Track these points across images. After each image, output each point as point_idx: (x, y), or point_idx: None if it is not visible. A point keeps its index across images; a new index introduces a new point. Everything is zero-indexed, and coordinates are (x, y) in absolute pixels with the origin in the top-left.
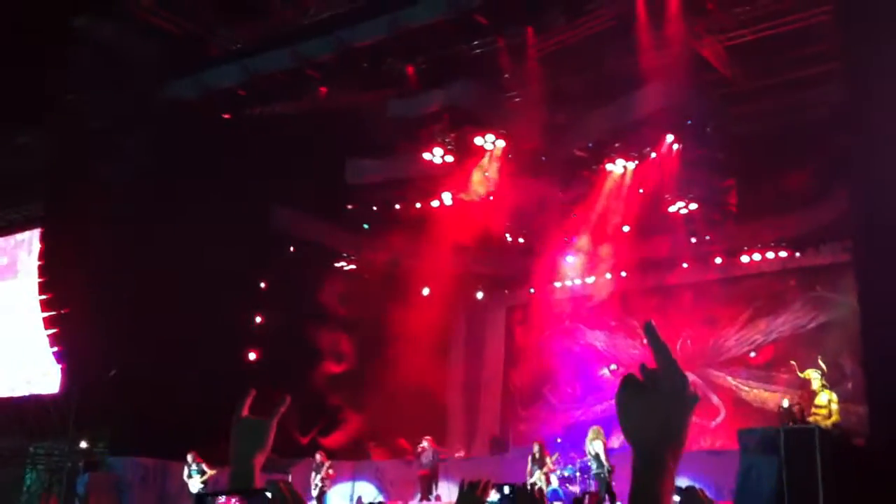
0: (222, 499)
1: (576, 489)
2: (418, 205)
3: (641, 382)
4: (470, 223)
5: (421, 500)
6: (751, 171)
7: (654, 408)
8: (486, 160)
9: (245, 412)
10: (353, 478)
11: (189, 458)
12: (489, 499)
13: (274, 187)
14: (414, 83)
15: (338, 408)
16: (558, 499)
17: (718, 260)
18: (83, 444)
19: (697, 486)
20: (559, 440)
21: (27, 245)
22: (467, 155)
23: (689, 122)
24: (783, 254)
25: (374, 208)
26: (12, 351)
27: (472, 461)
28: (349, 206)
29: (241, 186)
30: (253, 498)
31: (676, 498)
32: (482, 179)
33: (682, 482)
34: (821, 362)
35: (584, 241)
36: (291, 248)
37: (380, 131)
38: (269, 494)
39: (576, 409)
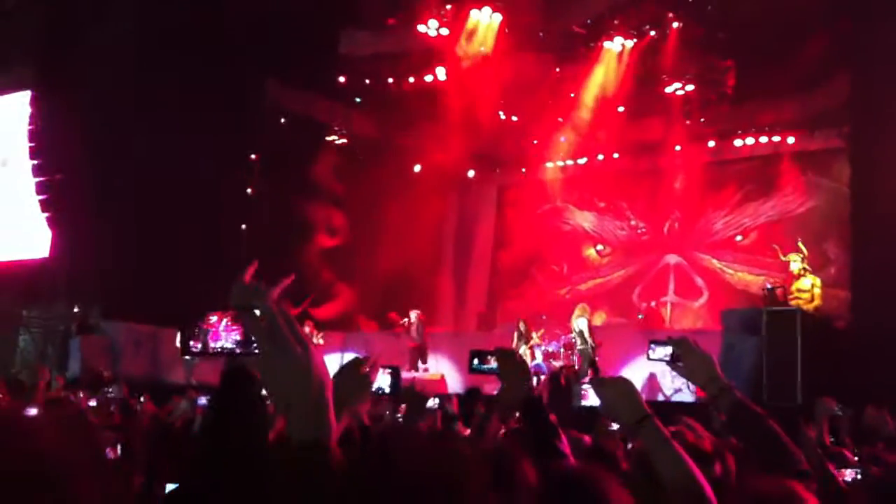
0: (213, 317)
1: (559, 364)
2: (411, 79)
3: None
4: (464, 100)
5: (409, 370)
6: (750, 52)
7: None
8: (482, 34)
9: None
10: (343, 348)
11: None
12: (489, 365)
13: (265, 58)
14: None
15: (329, 281)
16: (542, 372)
17: (711, 143)
18: (76, 309)
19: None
20: (544, 317)
21: (17, 109)
22: (463, 29)
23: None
24: (776, 138)
25: (367, 82)
26: (2, 216)
27: (459, 336)
28: (341, 79)
29: (233, 56)
30: (242, 314)
31: (669, 349)
32: (477, 54)
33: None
34: (801, 245)
35: (577, 120)
36: (283, 120)
37: (374, 2)
38: (257, 312)
39: (562, 288)
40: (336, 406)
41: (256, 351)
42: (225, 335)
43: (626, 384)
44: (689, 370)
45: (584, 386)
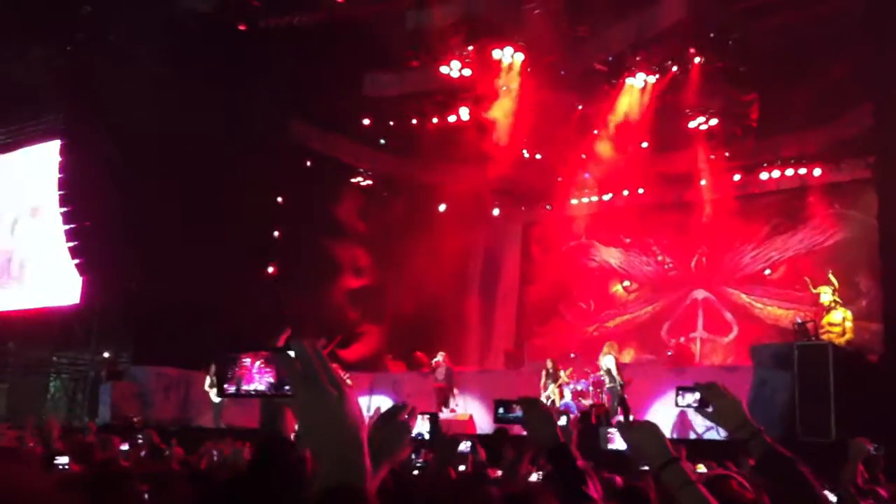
0: (247, 359)
1: (588, 402)
2: (435, 119)
3: None
4: (487, 138)
5: (436, 411)
6: (773, 85)
7: None
8: (504, 74)
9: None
10: (371, 390)
11: (212, 368)
12: (514, 414)
13: (291, 101)
14: None
15: (356, 321)
16: (571, 412)
17: (737, 177)
18: (105, 355)
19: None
20: (573, 355)
21: (47, 158)
22: (486, 69)
23: (712, 34)
24: (802, 170)
25: (391, 123)
26: (34, 263)
27: (486, 375)
28: (366, 121)
29: (258, 99)
30: (277, 356)
31: (696, 395)
32: (500, 94)
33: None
34: (832, 277)
35: (601, 156)
36: (308, 163)
37: (397, 44)
38: (292, 353)
39: (590, 325)
40: (376, 455)
41: (289, 393)
42: (258, 377)
43: (652, 428)
44: (719, 415)
45: (610, 430)
